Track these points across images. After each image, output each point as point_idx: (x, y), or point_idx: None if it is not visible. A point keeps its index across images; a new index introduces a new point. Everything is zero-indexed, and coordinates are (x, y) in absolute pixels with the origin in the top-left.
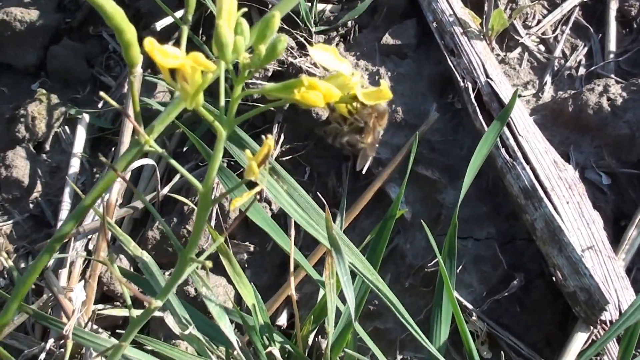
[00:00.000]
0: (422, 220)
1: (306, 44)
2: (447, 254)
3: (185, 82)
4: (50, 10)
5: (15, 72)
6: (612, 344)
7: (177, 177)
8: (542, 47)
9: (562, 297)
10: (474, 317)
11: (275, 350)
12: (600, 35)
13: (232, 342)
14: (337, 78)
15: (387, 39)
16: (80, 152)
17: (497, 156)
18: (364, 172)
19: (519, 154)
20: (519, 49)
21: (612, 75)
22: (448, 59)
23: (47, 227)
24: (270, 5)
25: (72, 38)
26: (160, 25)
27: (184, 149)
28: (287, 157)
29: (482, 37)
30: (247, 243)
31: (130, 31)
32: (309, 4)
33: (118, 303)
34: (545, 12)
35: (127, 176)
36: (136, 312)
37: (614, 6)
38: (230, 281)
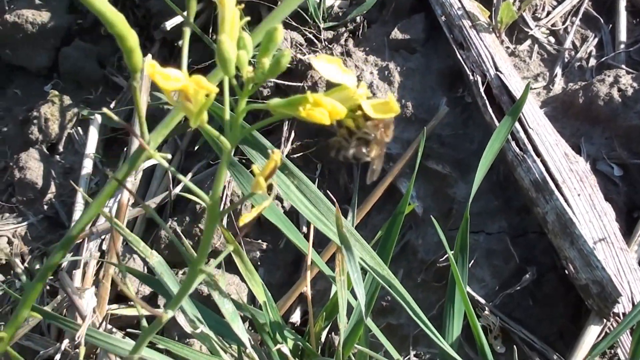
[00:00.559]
0: (432, 216)
1: (315, 40)
2: (459, 249)
3: (189, 102)
4: (62, 12)
5: (27, 74)
6: (626, 336)
7: (189, 175)
8: (552, 39)
9: (574, 290)
10: (486, 312)
11: (284, 347)
12: (611, 25)
13: (244, 341)
14: (341, 91)
15: (396, 34)
16: (93, 152)
17: (507, 149)
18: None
19: (530, 147)
20: (528, 41)
21: (623, 66)
22: (457, 53)
23: (61, 228)
24: (279, 1)
25: (83, 39)
26: (170, 24)
27: (196, 148)
28: (298, 154)
29: (491, 30)
30: (259, 241)
31: (132, 37)
32: (317, 0)
33: (132, 303)
34: (554, 3)
35: (139, 175)
36: (145, 312)
37: None
38: (243, 279)
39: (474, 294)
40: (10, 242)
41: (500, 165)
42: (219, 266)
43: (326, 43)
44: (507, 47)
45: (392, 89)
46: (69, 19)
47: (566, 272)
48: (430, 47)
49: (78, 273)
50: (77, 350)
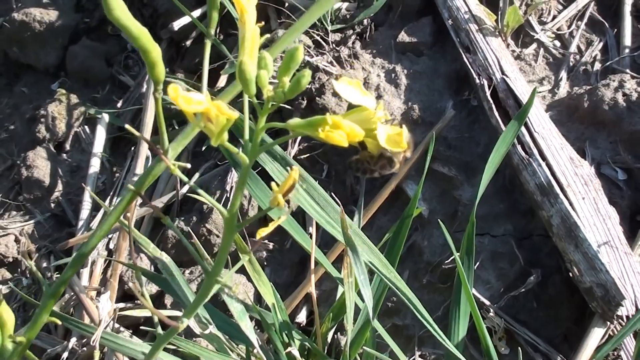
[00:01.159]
0: (439, 219)
1: (322, 42)
2: (465, 252)
3: (210, 123)
4: (69, 10)
5: (35, 72)
6: (629, 339)
7: (197, 175)
8: (557, 43)
9: (578, 293)
10: (491, 314)
11: (294, 350)
12: (616, 30)
13: (252, 341)
14: (360, 112)
15: (403, 37)
16: (100, 151)
17: (513, 153)
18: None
19: (535, 151)
20: (534, 45)
21: (628, 70)
22: (464, 56)
23: (68, 226)
24: (286, 4)
25: (90, 38)
26: (177, 24)
27: (203, 148)
28: (305, 155)
29: (497, 33)
30: (266, 241)
31: (155, 50)
32: None
33: (139, 301)
34: (560, 7)
35: None
36: (155, 312)
37: (629, 1)
38: (250, 279)
39: (479, 295)
40: (17, 240)
41: (506, 168)
42: (226, 266)
43: (333, 45)
44: (513, 51)
45: (399, 91)
46: (76, 17)
47: (570, 275)
48: (437, 50)
49: (85, 272)
50: (84, 348)
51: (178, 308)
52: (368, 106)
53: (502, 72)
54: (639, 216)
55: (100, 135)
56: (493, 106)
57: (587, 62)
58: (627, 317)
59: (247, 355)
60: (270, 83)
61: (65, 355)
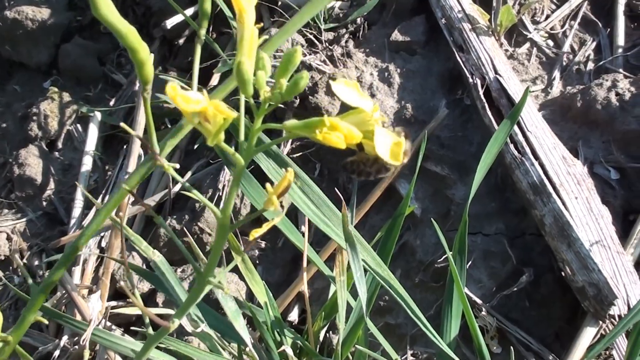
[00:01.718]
0: (432, 218)
1: (315, 41)
2: (457, 251)
3: (207, 122)
4: (61, 9)
5: (27, 70)
6: (621, 339)
7: (189, 174)
8: (550, 42)
9: (571, 292)
10: (483, 312)
11: (288, 348)
12: (609, 29)
13: (245, 340)
14: (357, 114)
15: (397, 36)
16: (92, 149)
17: (506, 152)
18: None
19: (528, 150)
20: (527, 45)
21: (621, 70)
22: (457, 55)
23: (60, 225)
24: (279, 3)
25: (83, 36)
26: (170, 23)
27: (195, 147)
28: (298, 154)
29: (490, 33)
30: (258, 240)
31: (143, 50)
32: None
33: (131, 300)
34: (553, 7)
35: None
36: (148, 311)
37: (622, 0)
38: (242, 278)
39: (471, 294)
40: (9, 238)
41: (498, 167)
42: (219, 264)
43: (327, 44)
44: (506, 50)
45: (392, 90)
46: (69, 15)
47: (563, 274)
48: (431, 49)
49: (77, 270)
50: (76, 347)
51: (170, 306)
52: (365, 108)
53: (495, 72)
54: (631, 215)
55: (93, 134)
56: (486, 105)
57: (580, 61)
58: (620, 316)
59: (239, 353)
60: (267, 83)
61: (56, 353)
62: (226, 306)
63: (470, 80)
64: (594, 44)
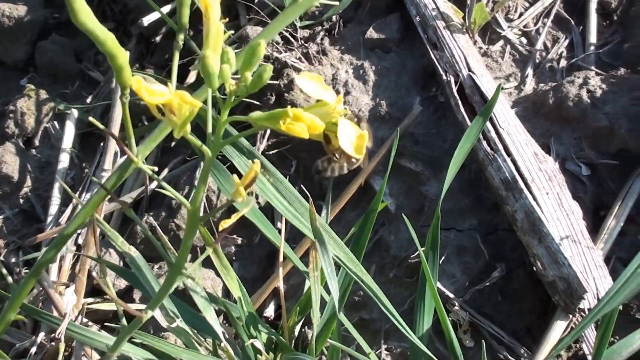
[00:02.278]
0: (404, 214)
1: (291, 38)
2: (429, 246)
3: (173, 115)
4: (38, 6)
5: (3, 67)
6: (590, 331)
7: (166, 171)
8: (523, 40)
9: (542, 286)
10: (456, 307)
11: (257, 342)
12: (581, 27)
13: (218, 333)
14: (321, 107)
15: (371, 33)
16: (69, 147)
17: (479, 149)
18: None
19: (500, 146)
20: (501, 42)
21: (593, 67)
22: (431, 53)
23: (37, 222)
24: (256, 0)
25: (60, 33)
26: (147, 20)
27: (172, 144)
28: (274, 151)
29: (464, 30)
30: (234, 236)
31: (122, 56)
32: None
33: (107, 296)
34: (527, 4)
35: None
36: (123, 306)
37: None
38: (218, 274)
39: (444, 289)
40: None
41: (471, 164)
42: (194, 260)
43: (302, 42)
44: (480, 48)
45: (367, 87)
46: (46, 12)
47: (534, 268)
48: (405, 46)
49: (54, 267)
50: (52, 343)
51: (147, 303)
52: (328, 100)
53: (469, 69)
54: (602, 211)
55: (70, 131)
56: (459, 102)
57: (553, 59)
58: (589, 309)
59: (214, 348)
60: (234, 78)
61: (33, 350)
62: (197, 298)
63: (444, 77)
64: (567, 41)
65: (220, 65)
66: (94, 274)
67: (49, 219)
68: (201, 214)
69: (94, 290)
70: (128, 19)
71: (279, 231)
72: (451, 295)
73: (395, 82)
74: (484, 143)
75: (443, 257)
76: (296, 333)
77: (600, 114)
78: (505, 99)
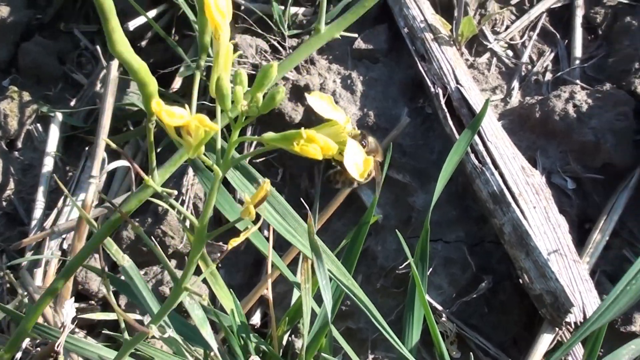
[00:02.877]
0: (394, 225)
1: (279, 47)
2: (419, 258)
3: (189, 136)
4: (21, 6)
5: None
6: (578, 347)
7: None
8: (510, 53)
9: (528, 299)
10: (443, 318)
11: (256, 358)
12: (567, 41)
13: (212, 346)
14: (331, 126)
15: (359, 44)
16: (53, 150)
17: (466, 162)
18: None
19: (488, 160)
20: (487, 54)
21: (578, 81)
22: (419, 65)
23: (20, 225)
24: (242, 7)
25: (43, 35)
26: (133, 25)
27: (158, 150)
28: (261, 159)
29: (452, 42)
30: (220, 243)
31: (153, 84)
32: (282, 8)
33: (93, 302)
34: (513, 17)
35: (103, 177)
36: (112, 315)
37: (580, 13)
38: (204, 280)
39: (432, 300)
40: None
41: (459, 176)
42: (180, 267)
43: (290, 50)
44: (467, 60)
45: (355, 97)
46: (28, 13)
47: (521, 281)
48: (393, 57)
49: (39, 272)
50: (38, 349)
51: (132, 309)
52: (338, 120)
53: (457, 81)
54: (587, 224)
55: (54, 134)
56: (447, 115)
57: (538, 72)
58: (575, 323)
59: (205, 357)
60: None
61: (19, 355)
62: (193, 313)
63: (432, 89)
64: (552, 54)
65: (234, 86)
66: (79, 279)
67: (33, 222)
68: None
69: (79, 295)
70: None
71: (267, 239)
72: (439, 307)
73: (383, 92)
74: (472, 156)
75: (430, 269)
76: (284, 342)
77: (586, 129)
78: (492, 111)
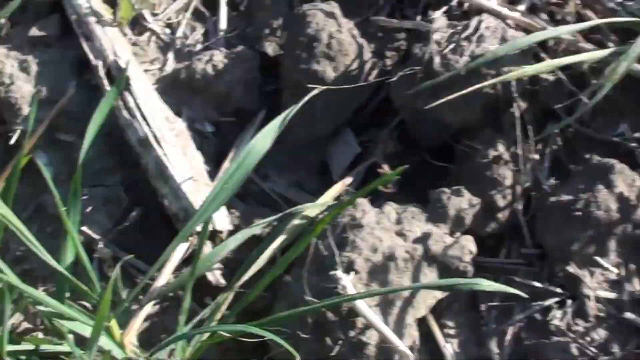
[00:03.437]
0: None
1: None
2: (73, 197)
3: None
4: None
5: None
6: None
7: None
8: (167, 30)
9: (172, 222)
10: (100, 245)
11: None
12: (215, 18)
13: None
14: None
15: (34, 31)
16: None
17: (119, 116)
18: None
19: (138, 114)
20: (147, 33)
21: (223, 49)
22: (84, 44)
23: None
24: None
25: None
26: None
27: None
28: None
29: (115, 24)
30: None
31: None
32: None
33: None
34: (170, 1)
35: None
36: None
37: None
38: None
39: (92, 233)
40: None
41: (118, 132)
42: None
43: None
44: (130, 39)
45: (30, 77)
46: None
47: (163, 206)
48: (65, 41)
49: None
50: None
51: None
52: None
53: (116, 55)
54: (224, 162)
55: None
56: (105, 82)
57: (190, 44)
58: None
59: None
60: None
61: None
62: None
63: (94, 63)
64: (203, 29)
65: None
66: None
67: None
68: None
69: None
70: None
71: None
72: (96, 237)
73: (55, 72)
74: (125, 112)
75: (91, 208)
76: None
77: (221, 82)
78: (147, 78)
